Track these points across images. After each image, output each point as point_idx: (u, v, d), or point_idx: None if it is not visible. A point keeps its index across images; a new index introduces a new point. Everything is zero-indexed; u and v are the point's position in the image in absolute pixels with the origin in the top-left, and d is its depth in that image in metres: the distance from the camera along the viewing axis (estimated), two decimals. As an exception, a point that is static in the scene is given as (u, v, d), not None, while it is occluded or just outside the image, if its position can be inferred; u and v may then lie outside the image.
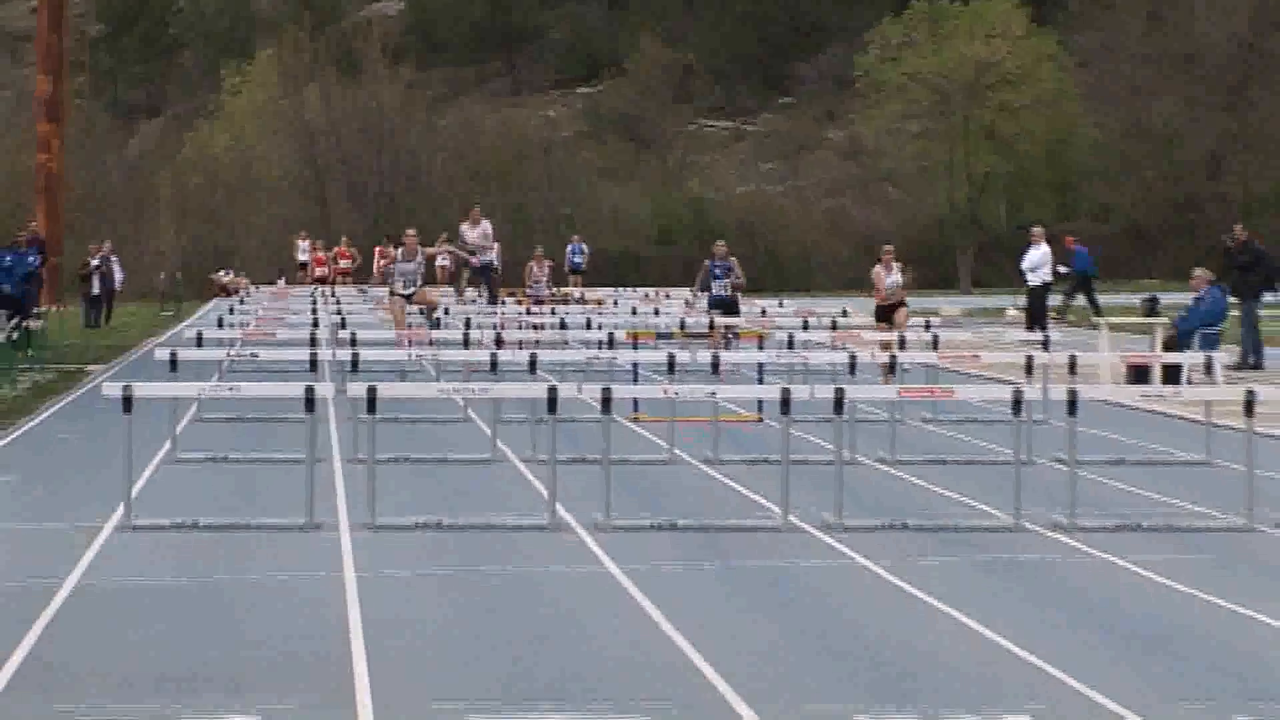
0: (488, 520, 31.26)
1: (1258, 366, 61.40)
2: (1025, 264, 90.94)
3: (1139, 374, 53.82)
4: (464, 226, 58.91)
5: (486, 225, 70.35)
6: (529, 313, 71.73)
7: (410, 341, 38.93)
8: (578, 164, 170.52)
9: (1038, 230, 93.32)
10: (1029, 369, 45.95)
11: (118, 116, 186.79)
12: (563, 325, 60.61)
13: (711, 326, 39.23)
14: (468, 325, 51.37)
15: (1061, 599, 26.13)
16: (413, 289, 34.90)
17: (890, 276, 62.33)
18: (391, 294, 36.07)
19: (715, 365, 35.84)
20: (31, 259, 74.39)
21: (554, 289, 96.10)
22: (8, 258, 77.93)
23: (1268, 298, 70.08)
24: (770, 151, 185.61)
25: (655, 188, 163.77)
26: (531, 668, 20.60)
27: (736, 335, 42.79)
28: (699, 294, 61.13)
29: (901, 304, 61.99)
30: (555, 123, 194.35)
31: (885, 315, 61.38)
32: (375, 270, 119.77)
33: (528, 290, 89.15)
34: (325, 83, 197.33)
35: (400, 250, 37.09)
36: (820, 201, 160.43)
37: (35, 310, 74.18)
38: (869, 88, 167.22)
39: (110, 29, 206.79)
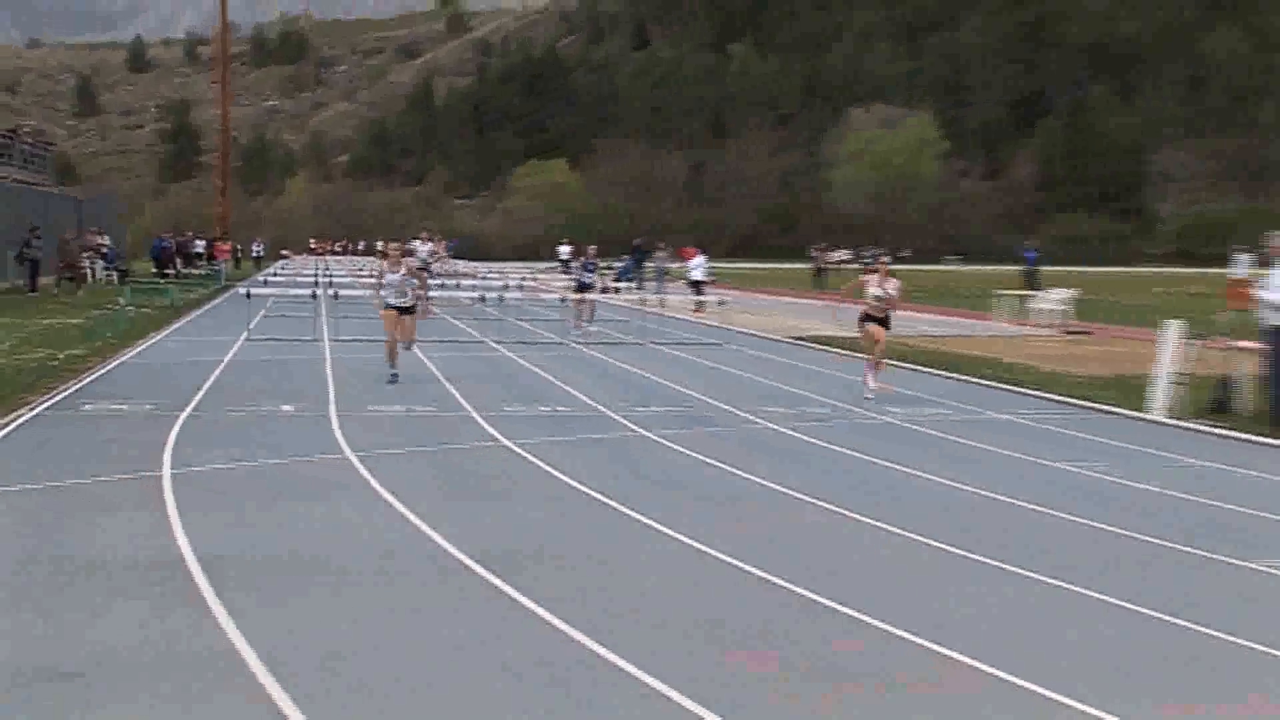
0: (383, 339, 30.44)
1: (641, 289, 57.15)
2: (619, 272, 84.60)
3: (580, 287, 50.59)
4: (416, 243, 51.64)
5: (433, 244, 54.85)
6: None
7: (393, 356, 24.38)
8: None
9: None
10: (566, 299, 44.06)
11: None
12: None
13: (580, 302, 36.10)
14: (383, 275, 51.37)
15: (596, 370, 24.73)
16: (404, 299, 24.00)
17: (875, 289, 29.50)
18: (386, 307, 25.02)
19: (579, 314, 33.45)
20: (165, 244, 65.18)
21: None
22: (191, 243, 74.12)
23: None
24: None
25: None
26: (411, 402, 19.86)
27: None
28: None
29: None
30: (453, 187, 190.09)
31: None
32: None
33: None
34: (324, 179, 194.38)
35: (385, 262, 25.86)
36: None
37: (222, 261, 70.43)
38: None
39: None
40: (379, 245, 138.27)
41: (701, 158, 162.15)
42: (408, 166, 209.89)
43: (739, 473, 13.31)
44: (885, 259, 21.43)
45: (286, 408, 17.44)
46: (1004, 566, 9.62)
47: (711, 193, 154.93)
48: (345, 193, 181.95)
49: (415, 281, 22.43)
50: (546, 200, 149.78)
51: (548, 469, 13.21)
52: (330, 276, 53.10)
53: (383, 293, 22.01)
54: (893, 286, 20.36)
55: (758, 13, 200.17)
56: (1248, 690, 6.96)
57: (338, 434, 15.25)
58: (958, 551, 10.08)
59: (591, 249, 35.81)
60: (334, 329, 31.03)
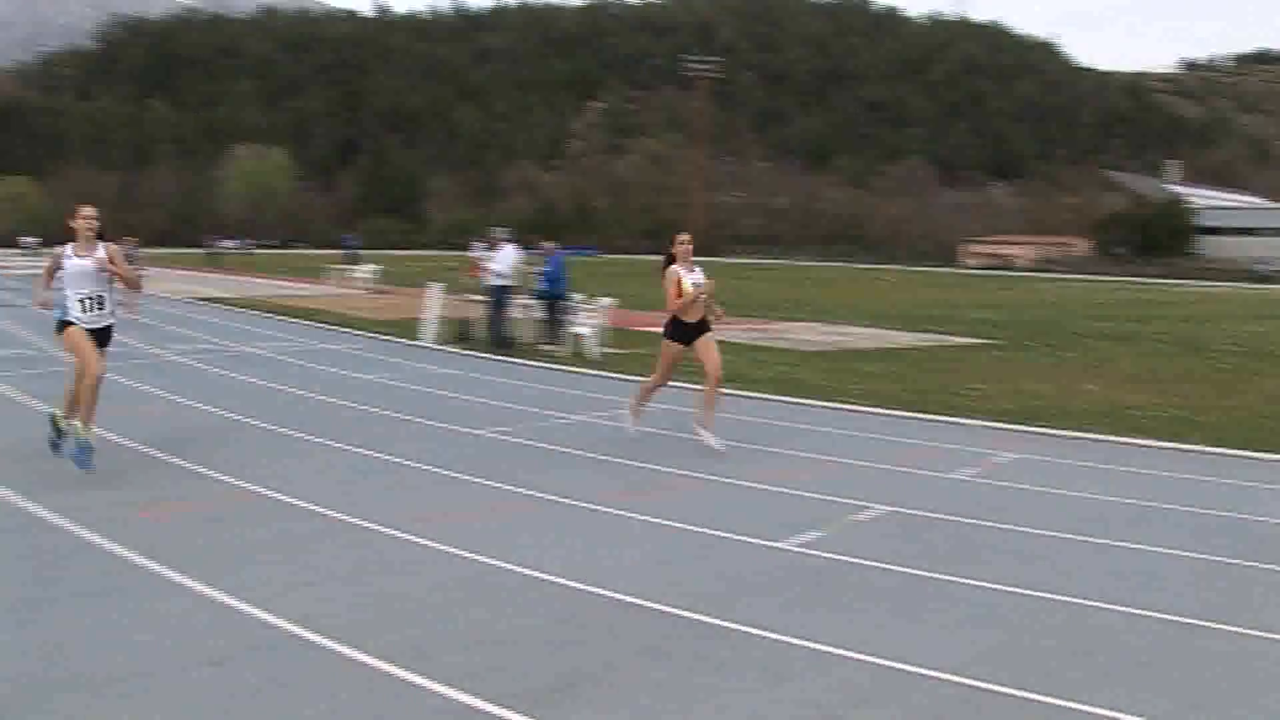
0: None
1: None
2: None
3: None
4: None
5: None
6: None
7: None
8: None
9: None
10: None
11: None
12: None
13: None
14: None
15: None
16: (101, 313, 7.14)
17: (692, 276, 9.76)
18: (63, 325, 7.21)
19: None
20: None
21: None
22: None
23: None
24: None
25: None
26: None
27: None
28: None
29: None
30: None
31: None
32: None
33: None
34: None
35: (70, 245, 7.42)
36: None
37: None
38: None
39: None
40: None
41: (129, 179, 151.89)
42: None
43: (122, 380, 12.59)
44: (683, 236, 10.08)
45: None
46: (309, 439, 9.67)
47: (136, 202, 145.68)
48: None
49: (118, 285, 8.63)
50: (12, 205, 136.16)
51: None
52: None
53: (65, 295, 8.24)
54: (700, 273, 10.00)
55: (170, 78, 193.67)
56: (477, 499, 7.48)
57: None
58: (268, 427, 10.19)
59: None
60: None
